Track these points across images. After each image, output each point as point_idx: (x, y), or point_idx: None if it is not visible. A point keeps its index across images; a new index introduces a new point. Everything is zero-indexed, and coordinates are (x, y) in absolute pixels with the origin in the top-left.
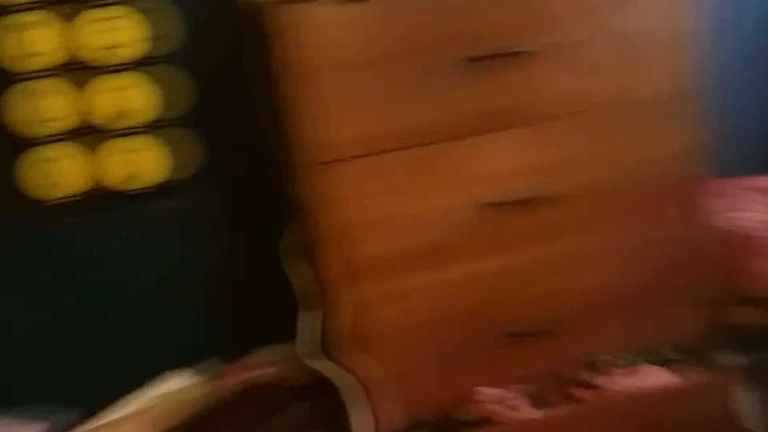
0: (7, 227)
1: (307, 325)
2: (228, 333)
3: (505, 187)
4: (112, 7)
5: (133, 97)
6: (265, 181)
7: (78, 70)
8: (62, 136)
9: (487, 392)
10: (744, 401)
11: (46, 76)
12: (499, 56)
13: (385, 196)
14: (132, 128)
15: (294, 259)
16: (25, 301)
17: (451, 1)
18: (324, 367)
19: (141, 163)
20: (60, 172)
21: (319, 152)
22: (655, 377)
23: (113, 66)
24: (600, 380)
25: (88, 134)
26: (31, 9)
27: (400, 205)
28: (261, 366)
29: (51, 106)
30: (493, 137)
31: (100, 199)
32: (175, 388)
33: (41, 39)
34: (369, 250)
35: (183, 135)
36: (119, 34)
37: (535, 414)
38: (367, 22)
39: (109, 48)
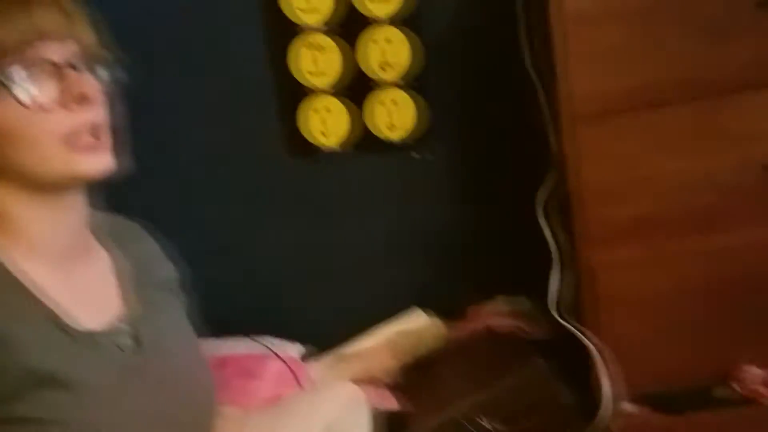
0: (281, 168)
1: (554, 281)
2: (472, 279)
3: None
4: None
5: (395, 51)
6: (521, 134)
7: (348, 26)
8: (334, 87)
9: (753, 371)
10: None
11: (323, 30)
12: None
13: (653, 153)
14: (393, 81)
15: (548, 215)
16: (288, 234)
17: None
18: (568, 325)
19: (399, 115)
20: (330, 121)
21: (586, 105)
22: None
23: (379, 19)
24: None
25: (356, 86)
26: None
27: (668, 164)
28: (501, 314)
29: (326, 58)
30: None
31: (361, 148)
32: (414, 326)
33: None
34: (629, 211)
35: (439, 87)
36: None
37: None
38: None
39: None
